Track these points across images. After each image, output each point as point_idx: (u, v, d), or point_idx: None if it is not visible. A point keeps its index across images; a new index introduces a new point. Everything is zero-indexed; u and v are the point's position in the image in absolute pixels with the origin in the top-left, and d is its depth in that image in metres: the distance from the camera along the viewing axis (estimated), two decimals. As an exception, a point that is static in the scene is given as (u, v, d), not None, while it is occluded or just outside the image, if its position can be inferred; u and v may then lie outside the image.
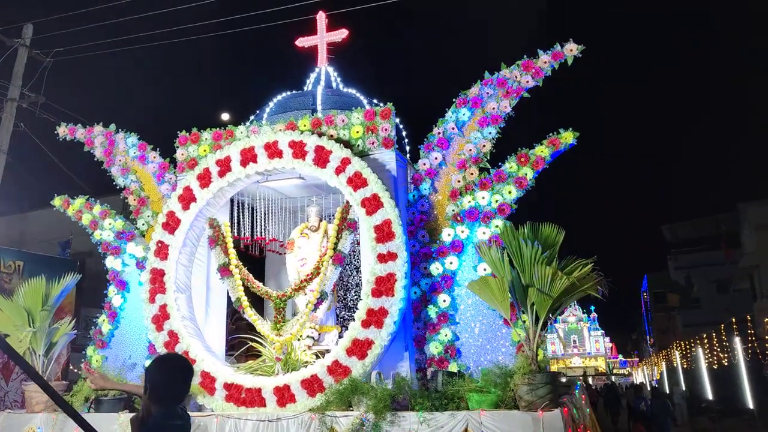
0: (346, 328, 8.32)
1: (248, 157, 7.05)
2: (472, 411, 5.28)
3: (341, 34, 8.72)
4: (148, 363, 6.33)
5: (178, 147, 7.75)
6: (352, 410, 5.80)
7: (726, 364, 19.13)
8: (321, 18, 8.79)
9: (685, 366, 28.81)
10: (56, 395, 3.12)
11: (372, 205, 6.51)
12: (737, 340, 16.96)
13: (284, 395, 6.32)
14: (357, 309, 9.24)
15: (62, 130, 8.59)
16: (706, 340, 21.40)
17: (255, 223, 8.16)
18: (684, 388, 26.83)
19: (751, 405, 16.48)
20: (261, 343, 7.23)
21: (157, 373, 3.24)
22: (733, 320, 17.54)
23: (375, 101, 8.09)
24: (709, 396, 22.69)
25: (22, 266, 14.10)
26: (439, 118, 7.22)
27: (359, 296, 9.14)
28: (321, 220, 7.91)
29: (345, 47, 8.87)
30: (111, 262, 7.82)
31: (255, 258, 8.72)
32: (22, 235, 18.21)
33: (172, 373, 3.27)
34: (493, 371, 5.56)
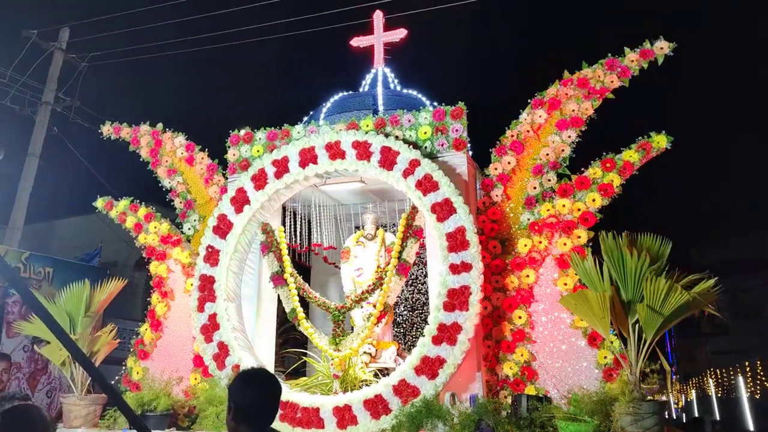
0: (403, 344, 7.85)
1: (308, 157, 6.58)
2: (568, 442, 4.70)
3: (399, 33, 8.29)
4: (226, 380, 5.88)
5: (229, 147, 7.32)
6: (424, 435, 5.25)
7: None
8: (378, 17, 8.39)
9: (719, 394, 27.78)
10: (116, 393, 2.64)
11: (444, 210, 6.00)
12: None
13: (345, 416, 5.78)
14: (405, 323, 8.80)
15: (107, 129, 8.21)
16: (748, 368, 20.53)
17: (306, 230, 7.68)
18: (718, 418, 25.83)
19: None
20: (314, 359, 6.71)
21: (242, 391, 2.76)
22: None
23: (435, 103, 7.62)
24: (750, 426, 21.74)
25: (52, 273, 13.74)
26: (506, 121, 6.74)
27: (410, 310, 8.66)
28: (378, 228, 7.41)
29: (402, 47, 8.45)
30: (155, 268, 7.36)
31: (301, 268, 8.24)
32: (50, 242, 17.94)
33: (259, 391, 2.79)
34: (587, 397, 4.97)
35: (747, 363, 20.56)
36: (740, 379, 22.02)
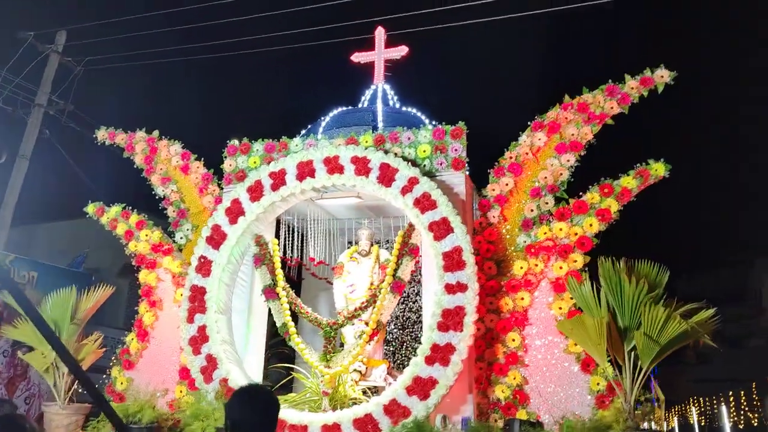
0: (393, 363, 7.77)
1: (305, 171, 6.54)
2: (561, 469, 4.64)
3: (400, 51, 8.29)
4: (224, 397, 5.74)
5: (226, 157, 7.26)
6: (414, 458, 5.17)
7: (755, 424, 18.29)
8: (380, 34, 8.38)
9: (702, 423, 27.79)
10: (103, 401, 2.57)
11: (441, 229, 5.97)
12: (773, 399, 16.16)
13: (333, 435, 5.68)
14: (395, 342, 8.72)
15: (101, 134, 8.13)
16: (732, 398, 20.57)
17: (299, 244, 7.62)
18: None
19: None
20: (303, 374, 6.61)
21: (240, 409, 2.69)
22: (768, 379, 16.74)
23: (434, 122, 7.61)
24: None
25: (36, 277, 13.51)
26: (503, 143, 6.75)
27: (401, 329, 8.59)
28: (372, 245, 7.36)
29: (403, 64, 8.45)
30: (145, 277, 7.25)
31: (291, 282, 8.15)
32: (35, 245, 17.69)
33: (257, 409, 2.72)
34: (581, 424, 4.93)
35: (731, 393, 20.59)
36: (723, 408, 22.05)
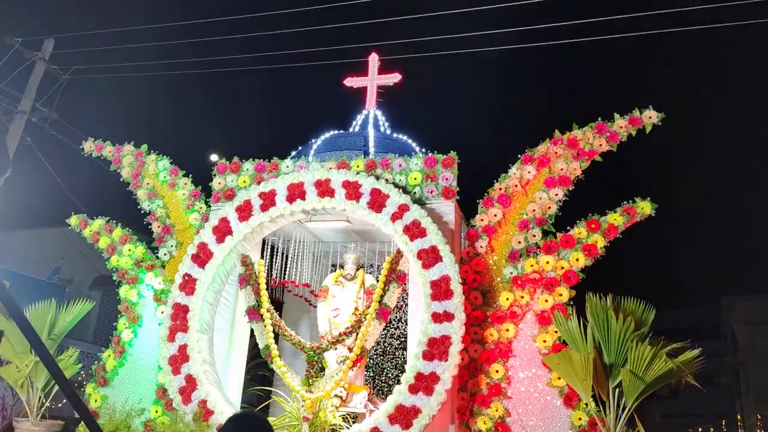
0: (373, 389, 7.70)
1: (296, 193, 6.53)
2: (544, 504, 4.62)
3: (393, 78, 8.39)
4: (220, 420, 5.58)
5: (215, 175, 7.23)
6: (395, 488, 5.11)
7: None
8: (373, 60, 8.49)
9: (671, 459, 27.88)
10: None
11: (430, 257, 5.99)
12: (742, 437, 16.30)
13: (313, 462, 5.61)
14: (376, 367, 8.65)
15: (88, 146, 8.04)
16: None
17: (283, 265, 7.57)
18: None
19: None
20: (283, 398, 6.52)
21: (234, 429, 2.65)
22: (738, 417, 16.93)
23: (425, 150, 7.68)
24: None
25: (8, 287, 13.22)
26: (492, 174, 6.82)
27: (381, 355, 8.54)
28: (358, 269, 7.34)
29: (395, 91, 8.53)
30: (125, 292, 7.11)
31: (274, 303, 8.07)
32: (5, 254, 17.29)
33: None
34: (563, 459, 4.92)
35: (700, 429, 20.74)
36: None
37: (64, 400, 9.54)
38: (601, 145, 6.48)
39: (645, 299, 5.30)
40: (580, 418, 5.59)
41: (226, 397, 6.27)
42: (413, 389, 5.63)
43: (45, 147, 15.08)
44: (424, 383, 5.62)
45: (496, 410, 5.87)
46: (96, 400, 6.71)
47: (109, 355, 6.94)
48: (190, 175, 7.64)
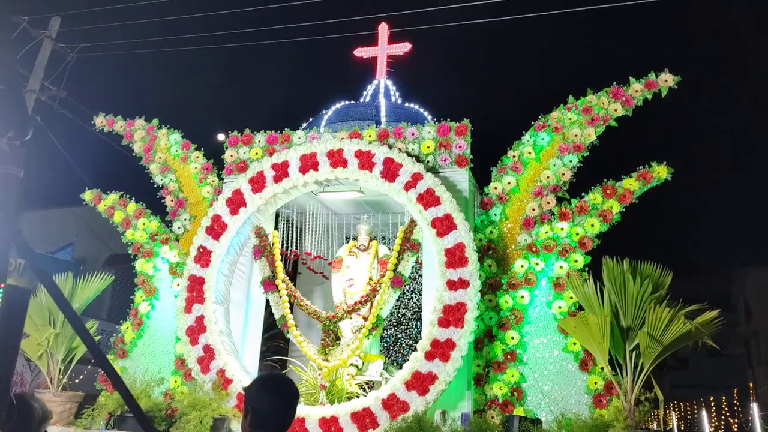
0: (389, 359, 7.76)
1: (309, 163, 6.51)
2: (562, 465, 4.66)
3: (403, 47, 8.31)
4: (245, 382, 5.66)
5: (227, 147, 7.22)
6: (413, 452, 5.17)
7: (736, 429, 18.51)
8: (383, 29, 8.40)
9: (682, 428, 28.07)
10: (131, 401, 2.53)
11: (444, 226, 5.97)
12: (755, 405, 16.37)
13: (331, 428, 5.68)
14: (390, 338, 8.71)
15: (100, 121, 8.03)
16: (713, 403, 20.80)
17: (297, 237, 7.59)
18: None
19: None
20: (300, 367, 6.59)
21: (262, 396, 2.63)
22: (750, 384, 16.97)
23: (436, 119, 7.62)
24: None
25: (23, 265, 13.37)
26: (505, 141, 6.76)
27: (395, 325, 8.59)
28: (371, 240, 7.35)
29: (405, 61, 8.45)
30: (141, 266, 7.17)
31: (288, 275, 8.12)
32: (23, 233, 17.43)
33: (280, 397, 2.67)
34: (580, 422, 4.95)
35: (712, 398, 20.82)
36: (704, 413, 22.28)
37: (81, 376, 9.67)
38: (616, 110, 6.39)
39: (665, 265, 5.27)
40: (595, 382, 5.62)
41: (243, 367, 6.33)
42: (429, 356, 5.67)
43: (54, 126, 15.11)
44: (440, 350, 5.65)
45: (512, 376, 5.90)
46: (115, 372, 6.79)
47: (128, 328, 7.02)
48: (202, 149, 7.65)
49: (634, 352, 4.80)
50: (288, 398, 2.70)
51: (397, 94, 8.15)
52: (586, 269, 5.94)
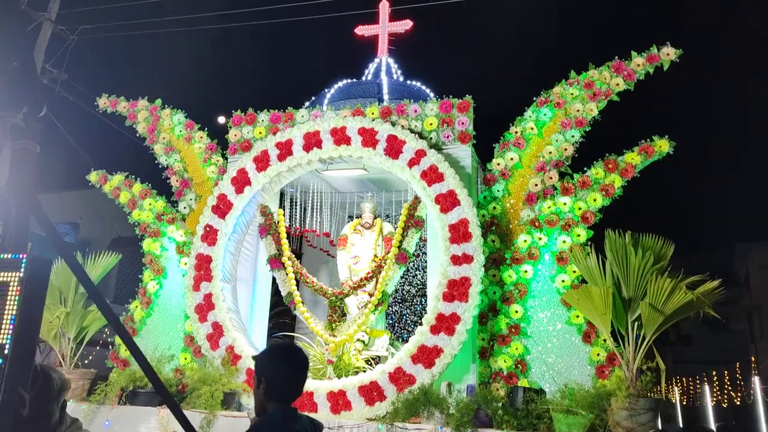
0: (394, 335, 7.88)
1: (312, 141, 6.56)
2: (565, 434, 4.77)
3: (404, 25, 8.29)
4: (251, 353, 5.75)
5: (230, 127, 7.26)
6: (419, 422, 5.28)
7: (738, 402, 18.72)
8: (384, 7, 8.38)
9: (684, 402, 28.36)
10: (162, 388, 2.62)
11: (447, 202, 6.03)
12: (756, 379, 16.54)
13: (339, 402, 5.79)
14: (395, 315, 8.82)
15: (103, 102, 8.07)
16: (715, 377, 21.01)
17: (301, 215, 7.66)
18: (681, 425, 26.38)
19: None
20: (308, 343, 6.70)
21: (275, 364, 2.70)
22: (753, 359, 17.13)
23: (438, 97, 7.64)
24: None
25: (29, 247, 13.47)
26: (508, 117, 6.79)
27: (400, 302, 8.70)
28: (375, 218, 7.42)
29: (407, 38, 8.44)
30: (148, 245, 7.26)
31: (294, 254, 8.20)
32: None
33: (291, 365, 2.74)
34: (583, 391, 5.05)
35: (714, 373, 21.02)
36: (706, 387, 22.52)
37: (90, 357, 9.79)
38: (618, 84, 6.41)
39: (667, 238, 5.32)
40: (598, 354, 5.71)
41: (251, 343, 6.44)
42: (435, 330, 5.76)
43: (56, 108, 15.11)
44: (446, 324, 5.75)
45: (516, 349, 5.99)
46: (125, 350, 6.92)
47: (137, 306, 7.13)
48: (206, 129, 7.69)
49: (636, 323, 4.87)
50: (299, 365, 2.77)
51: (399, 71, 8.16)
52: (589, 243, 6.00)
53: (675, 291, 4.53)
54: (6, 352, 1.91)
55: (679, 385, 28.85)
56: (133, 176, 7.66)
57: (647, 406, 4.67)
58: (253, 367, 2.81)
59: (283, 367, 2.69)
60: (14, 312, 1.97)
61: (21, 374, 1.96)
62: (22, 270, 2.02)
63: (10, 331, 1.92)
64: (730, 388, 19.27)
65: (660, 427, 4.88)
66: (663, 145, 6.05)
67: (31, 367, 2.07)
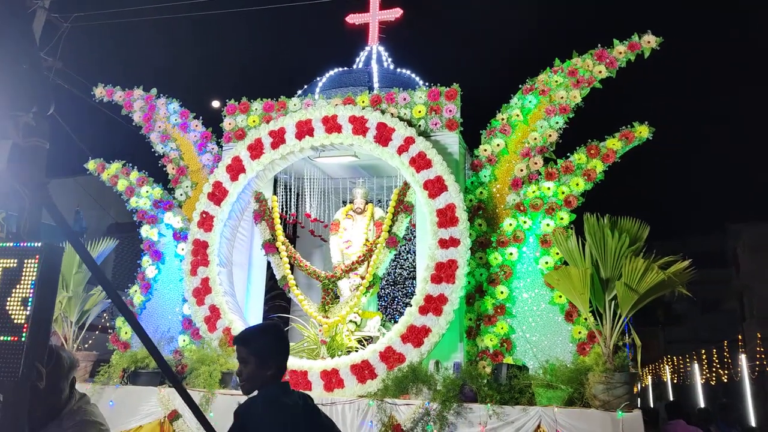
0: (386, 316, 8.13)
1: (304, 130, 6.75)
2: (546, 407, 5.04)
3: (395, 13, 8.44)
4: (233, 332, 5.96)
5: (225, 116, 7.44)
6: (409, 398, 5.55)
7: (726, 380, 19.15)
8: (374, -5, 8.51)
9: (674, 381, 28.88)
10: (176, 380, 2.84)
11: (435, 187, 6.25)
12: (743, 357, 16.94)
13: (332, 380, 6.05)
14: (387, 297, 9.09)
15: (99, 91, 8.22)
16: (704, 356, 21.43)
17: (295, 202, 7.87)
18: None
19: (753, 421, 16.44)
20: (303, 325, 6.95)
21: (268, 342, 2.89)
22: (740, 337, 17.52)
23: (428, 84, 7.82)
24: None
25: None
26: (494, 105, 6.99)
27: (392, 285, 8.95)
28: (367, 203, 7.64)
29: (397, 26, 8.60)
30: (146, 232, 7.47)
31: (288, 239, 8.42)
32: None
33: (281, 343, 2.96)
34: (563, 367, 5.32)
35: (704, 351, 21.45)
36: (696, 366, 22.96)
37: (90, 341, 10.03)
38: (600, 71, 6.60)
39: (643, 220, 5.56)
40: (579, 332, 5.98)
41: (248, 325, 6.67)
42: (423, 310, 6.01)
43: (53, 88, 15.18)
44: (434, 304, 5.99)
45: (502, 328, 6.25)
46: (126, 333, 7.17)
47: (136, 291, 7.36)
48: (200, 117, 7.87)
49: (612, 302, 5.12)
50: (285, 343, 3.00)
51: (390, 60, 8.32)
52: (571, 227, 6.24)
53: (648, 271, 4.77)
54: (25, 330, 2.14)
55: (670, 363, 29.37)
56: (131, 164, 7.84)
57: (623, 380, 4.93)
58: None
59: (273, 342, 2.90)
60: (31, 295, 2.20)
61: (38, 350, 2.19)
62: (37, 257, 2.23)
63: (29, 312, 2.15)
64: (718, 366, 19.68)
65: (638, 401, 5.15)
66: (643, 131, 6.27)
67: (46, 344, 2.30)
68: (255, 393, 2.79)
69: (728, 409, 8.81)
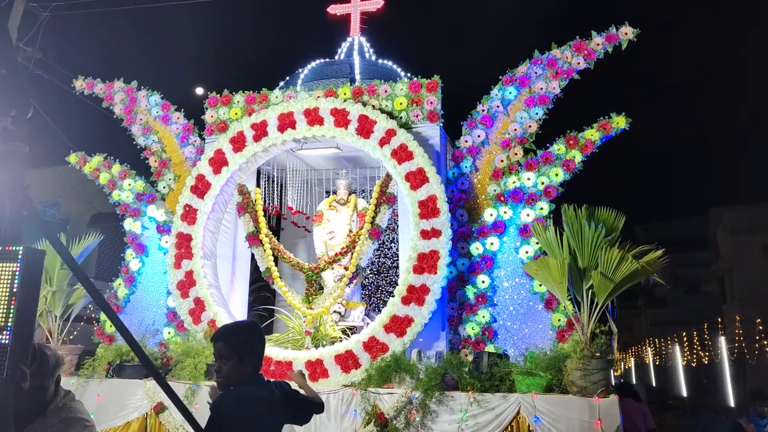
0: (369, 306, 8.22)
1: (286, 122, 6.78)
2: (525, 394, 5.16)
3: (376, 3, 8.44)
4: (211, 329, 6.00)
5: (207, 108, 7.43)
6: (392, 387, 5.65)
7: (706, 362, 19.53)
8: (356, -14, 8.50)
9: (657, 362, 29.38)
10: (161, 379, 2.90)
11: (417, 179, 6.32)
12: (722, 339, 17.27)
13: (317, 370, 6.13)
14: (371, 286, 9.17)
15: (79, 84, 8.17)
16: (685, 338, 21.81)
17: (278, 193, 7.91)
18: (654, 384, 27.41)
19: (732, 402, 16.82)
20: (287, 316, 7.02)
21: (249, 339, 2.97)
22: (719, 320, 17.85)
23: (410, 75, 7.87)
24: (683, 393, 23.19)
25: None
26: (476, 96, 7.05)
27: (376, 274, 9.03)
28: (350, 194, 7.69)
29: (378, 17, 8.61)
30: (129, 225, 7.48)
31: (272, 230, 8.46)
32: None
33: (260, 340, 3.04)
34: (542, 355, 5.44)
35: (684, 334, 21.82)
36: (677, 348, 23.37)
37: (75, 332, 10.04)
38: (579, 63, 6.68)
39: (623, 212, 5.67)
40: (559, 320, 6.11)
41: (233, 317, 6.73)
42: (406, 300, 6.10)
43: (31, 87, 15.02)
44: (416, 295, 6.08)
45: (483, 317, 6.36)
46: (111, 326, 7.20)
47: (120, 284, 7.37)
48: (182, 110, 7.86)
49: (590, 291, 5.24)
50: (263, 338, 3.08)
51: (371, 50, 8.34)
52: (550, 216, 6.35)
53: (623, 261, 4.89)
54: (8, 332, 2.19)
55: (652, 346, 29.85)
56: (112, 157, 7.82)
57: (599, 366, 5.06)
58: None
59: (256, 338, 2.99)
60: (14, 297, 2.24)
61: (22, 351, 2.24)
62: (19, 260, 2.27)
63: (11, 315, 2.20)
64: (699, 348, 20.06)
65: (613, 386, 5.29)
66: (620, 122, 6.37)
67: (30, 345, 2.34)
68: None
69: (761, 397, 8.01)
